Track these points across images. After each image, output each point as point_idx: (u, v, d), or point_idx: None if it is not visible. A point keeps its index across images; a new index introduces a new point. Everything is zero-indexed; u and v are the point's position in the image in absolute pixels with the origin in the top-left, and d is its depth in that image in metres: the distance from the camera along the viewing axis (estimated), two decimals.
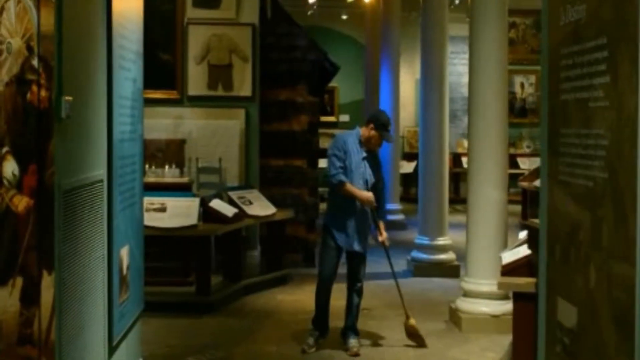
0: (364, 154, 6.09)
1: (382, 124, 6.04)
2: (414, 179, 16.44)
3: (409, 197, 15.73)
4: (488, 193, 6.67)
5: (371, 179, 6.10)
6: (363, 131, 6.11)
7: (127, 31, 4.28)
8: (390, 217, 12.60)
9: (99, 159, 3.75)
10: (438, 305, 7.58)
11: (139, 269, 4.61)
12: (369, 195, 6.03)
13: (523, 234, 5.96)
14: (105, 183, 3.82)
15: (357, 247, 6.12)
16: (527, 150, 16.83)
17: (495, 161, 6.69)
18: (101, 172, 3.77)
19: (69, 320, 3.18)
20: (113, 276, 3.91)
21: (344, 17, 16.39)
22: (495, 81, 6.69)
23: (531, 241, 4.80)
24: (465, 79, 17.51)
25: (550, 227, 2.96)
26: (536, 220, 4.80)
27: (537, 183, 11.99)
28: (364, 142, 6.08)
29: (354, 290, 6.23)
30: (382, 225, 6.24)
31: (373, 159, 6.17)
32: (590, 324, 2.53)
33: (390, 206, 12.74)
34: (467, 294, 6.77)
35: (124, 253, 4.19)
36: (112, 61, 3.89)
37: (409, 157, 16.48)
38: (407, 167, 16.11)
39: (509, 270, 4.94)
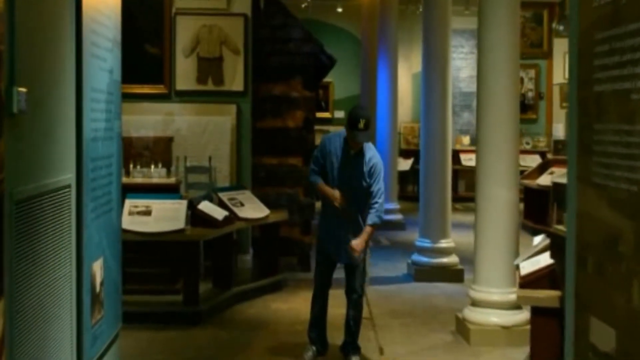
0: (351, 155, 5.59)
1: (350, 122, 5.50)
2: (411, 176, 16.18)
3: (405, 195, 15.37)
4: (498, 193, 6.21)
5: (358, 181, 5.56)
6: (346, 131, 5.62)
7: (101, 15, 3.78)
8: (388, 216, 12.25)
9: (65, 162, 3.25)
10: (442, 313, 7.14)
11: (115, 283, 4.12)
12: (333, 192, 5.57)
13: (538, 239, 5.51)
14: (73, 189, 3.32)
15: (344, 259, 5.65)
16: (527, 147, 16.42)
17: (506, 159, 6.25)
18: (69, 177, 3.27)
19: (25, 354, 2.68)
20: (83, 296, 3.42)
21: (339, 10, 16.18)
22: (506, 73, 6.25)
23: (554, 250, 4.33)
24: (463, 74, 17.32)
25: (580, 236, 2.69)
26: (560, 227, 4.34)
27: (540, 181, 11.60)
28: (349, 143, 5.59)
29: (350, 302, 5.75)
30: (366, 230, 5.57)
31: (360, 159, 5.58)
32: (634, 350, 2.26)
33: (388, 205, 12.33)
34: (475, 303, 6.32)
35: (98, 267, 3.69)
36: (81, 48, 3.39)
37: (406, 153, 16.14)
38: (404, 164, 15.78)
39: (529, 281, 4.47)
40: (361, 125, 5.41)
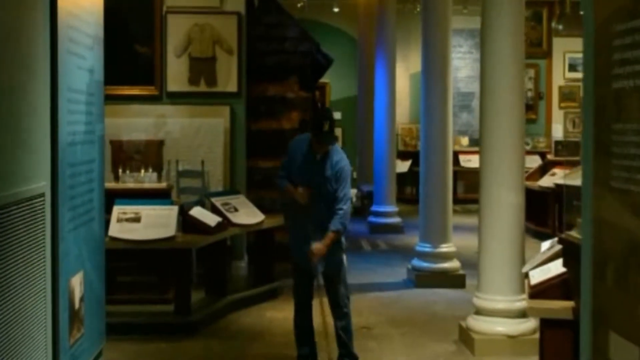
0: (317, 159, 5.30)
1: (313, 125, 5.26)
2: (409, 178, 15.94)
3: (403, 198, 15.13)
4: (503, 196, 5.95)
5: (324, 186, 5.26)
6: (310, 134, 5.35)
7: (80, 10, 3.52)
8: (387, 220, 12.11)
9: (38, 168, 2.98)
10: (444, 321, 6.88)
11: (97, 297, 3.85)
12: (296, 190, 5.29)
13: (546, 245, 5.24)
14: (48, 198, 3.05)
15: (319, 268, 5.36)
16: (527, 148, 16.17)
17: (511, 160, 5.99)
18: (42, 185, 3.00)
19: None
20: (59, 313, 3.14)
21: (336, 9, 15.95)
22: (510, 70, 6.01)
23: (567, 258, 4.05)
24: (462, 74, 17.09)
25: (597, 244, 2.56)
26: (573, 233, 4.07)
27: (542, 182, 11.34)
28: (314, 146, 5.30)
29: (335, 314, 5.47)
30: (327, 236, 5.23)
31: (327, 163, 5.28)
32: None
33: (387, 208, 12.22)
34: (479, 312, 6.06)
35: (77, 282, 3.42)
36: (56, 44, 3.11)
37: (404, 155, 15.90)
38: (402, 166, 15.54)
39: (540, 291, 4.20)
40: (325, 127, 5.15)
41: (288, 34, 8.77)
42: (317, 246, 5.21)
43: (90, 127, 3.67)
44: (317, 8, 15.86)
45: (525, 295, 5.80)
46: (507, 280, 5.92)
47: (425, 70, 8.54)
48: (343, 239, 5.46)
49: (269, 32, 8.75)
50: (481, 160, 6.18)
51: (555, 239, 5.25)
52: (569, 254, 3.98)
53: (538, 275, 4.31)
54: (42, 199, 2.98)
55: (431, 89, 8.40)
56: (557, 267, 4.26)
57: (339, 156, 5.34)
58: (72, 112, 3.35)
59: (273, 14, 8.88)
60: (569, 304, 4.05)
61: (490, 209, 6.05)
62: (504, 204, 5.98)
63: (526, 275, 4.70)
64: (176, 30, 8.22)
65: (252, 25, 8.57)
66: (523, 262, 5.90)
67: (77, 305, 3.44)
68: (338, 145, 5.51)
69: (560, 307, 4.03)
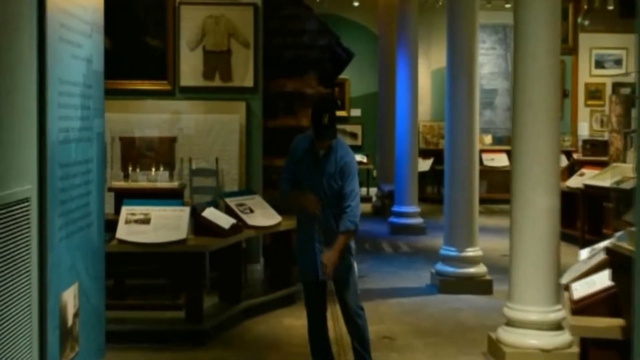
0: (320, 156, 4.93)
1: (313, 119, 4.85)
2: (431, 177, 15.58)
3: (425, 197, 14.81)
4: (536, 200, 5.54)
5: (329, 184, 4.89)
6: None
7: None
8: (409, 220, 11.77)
9: (22, 170, 2.62)
10: (472, 331, 6.51)
11: (96, 311, 3.49)
12: (306, 197, 4.86)
13: (585, 253, 4.85)
14: (34, 202, 2.70)
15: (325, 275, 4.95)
16: None
17: (546, 161, 5.58)
18: (27, 188, 2.64)
19: None
20: (48, 333, 2.79)
21: (356, 3, 15.68)
22: (545, 65, 5.59)
23: (616, 271, 3.65)
24: (485, 70, 16.67)
25: None
26: (624, 244, 3.67)
27: (570, 183, 10.89)
28: (315, 142, 4.93)
29: (348, 323, 5.07)
30: (338, 241, 4.83)
31: (332, 159, 4.92)
32: None
33: (408, 209, 11.88)
34: (511, 323, 5.66)
35: (70, 296, 3.06)
36: (45, 29, 2.75)
37: (425, 153, 15.57)
38: (424, 164, 15.19)
39: (584, 307, 3.80)
40: (325, 120, 4.78)
41: (306, 27, 8.47)
42: (328, 255, 4.82)
43: (86, 122, 3.31)
44: (336, 2, 15.66)
45: (560, 306, 5.43)
46: (541, 289, 5.51)
47: (450, 66, 8.20)
48: (352, 243, 5.04)
49: (286, 25, 8.45)
50: (513, 161, 5.77)
51: (595, 246, 4.86)
52: (618, 266, 3.58)
53: (581, 289, 3.91)
54: (26, 204, 2.63)
55: (457, 86, 8.06)
56: (602, 280, 3.87)
57: (344, 150, 4.96)
58: (64, 106, 2.99)
59: (290, 6, 8.58)
60: (618, 322, 3.65)
61: (522, 213, 5.65)
62: (538, 207, 5.57)
63: (566, 288, 4.30)
64: (190, 22, 7.89)
65: (268, 18, 8.27)
66: (558, 270, 5.50)
67: (70, 322, 3.08)
68: (342, 139, 5.15)
69: (607, 325, 3.64)
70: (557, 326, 5.50)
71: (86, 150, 3.32)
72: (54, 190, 2.86)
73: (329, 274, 4.83)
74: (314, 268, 4.91)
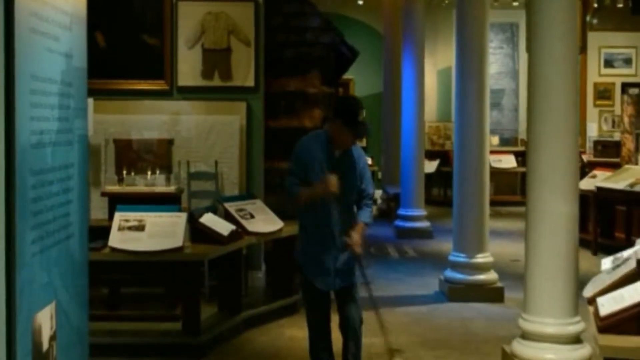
0: (337, 157, 4.70)
1: (347, 114, 4.61)
2: (437, 179, 15.30)
3: (431, 200, 14.56)
4: (555, 207, 5.21)
5: (350, 186, 4.72)
6: (331, 128, 4.70)
7: None
8: (415, 224, 11.52)
9: None
10: (484, 343, 6.21)
11: (78, 331, 3.17)
12: (322, 182, 4.59)
13: (607, 263, 4.52)
14: (0, 215, 2.38)
15: (339, 283, 4.77)
16: None
17: (565, 165, 5.24)
18: None
19: None
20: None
21: (360, 2, 15.56)
22: (563, 65, 5.25)
23: None
24: (492, 69, 16.36)
25: None
26: None
27: (582, 185, 10.58)
28: (335, 142, 4.68)
29: (348, 335, 4.84)
30: (360, 225, 4.75)
31: (349, 160, 4.74)
32: None
33: (415, 212, 11.62)
34: (526, 336, 5.32)
35: (45, 317, 2.75)
36: (12, 19, 2.44)
37: (431, 155, 15.32)
38: (429, 166, 14.93)
39: (612, 324, 3.47)
40: (362, 117, 4.65)
41: (309, 24, 8.21)
42: (354, 235, 4.67)
43: (66, 124, 3.00)
44: (340, 1, 15.49)
45: (579, 318, 5.11)
46: (559, 300, 5.17)
47: (459, 65, 7.97)
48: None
49: (288, 22, 8.19)
50: (529, 165, 5.44)
51: (619, 255, 4.55)
52: None
53: (608, 304, 3.59)
54: None
55: (466, 86, 7.81)
56: (632, 295, 3.54)
57: (358, 151, 4.84)
58: (38, 106, 2.68)
59: (293, 2, 8.33)
60: None
61: (538, 219, 5.31)
62: (554, 213, 5.23)
63: (589, 301, 3.98)
64: (188, 19, 7.66)
65: (270, 15, 8.02)
66: (577, 280, 5.18)
67: (45, 345, 2.77)
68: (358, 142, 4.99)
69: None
70: (576, 339, 5.16)
71: (66, 155, 3.00)
72: (24, 200, 2.55)
73: (360, 252, 4.74)
74: (324, 277, 4.72)
